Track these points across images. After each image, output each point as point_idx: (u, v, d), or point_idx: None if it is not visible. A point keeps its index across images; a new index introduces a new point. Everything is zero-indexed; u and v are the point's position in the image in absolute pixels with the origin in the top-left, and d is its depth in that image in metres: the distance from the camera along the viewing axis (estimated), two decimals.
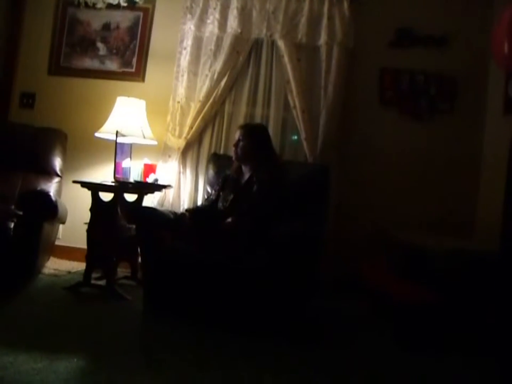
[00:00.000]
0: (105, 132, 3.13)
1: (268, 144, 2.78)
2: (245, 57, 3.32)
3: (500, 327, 2.24)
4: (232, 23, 3.27)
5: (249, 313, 2.32)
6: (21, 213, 2.63)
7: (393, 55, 3.34)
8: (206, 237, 2.50)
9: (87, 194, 2.77)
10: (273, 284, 2.26)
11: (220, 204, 2.71)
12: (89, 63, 3.59)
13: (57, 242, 3.30)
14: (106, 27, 3.59)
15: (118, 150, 2.88)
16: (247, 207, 2.56)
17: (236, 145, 2.74)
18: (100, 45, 3.59)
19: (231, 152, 2.82)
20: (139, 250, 2.72)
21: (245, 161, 2.75)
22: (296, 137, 3.33)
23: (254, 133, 2.76)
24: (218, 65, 3.26)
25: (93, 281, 2.77)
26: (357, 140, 3.34)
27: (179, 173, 3.33)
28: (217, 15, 3.31)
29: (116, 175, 2.87)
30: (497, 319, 2.27)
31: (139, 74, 3.54)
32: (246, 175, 2.75)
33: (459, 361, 2.16)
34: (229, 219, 2.52)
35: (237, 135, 2.76)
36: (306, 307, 2.36)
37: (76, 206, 3.14)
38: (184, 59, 3.33)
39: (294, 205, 2.63)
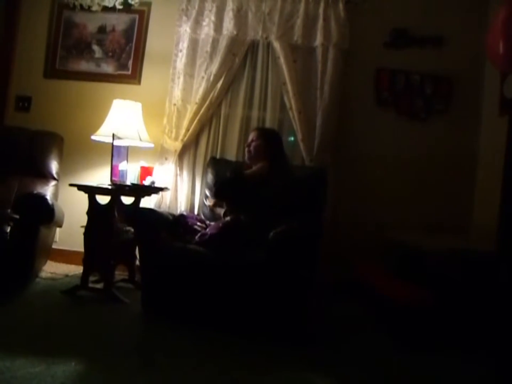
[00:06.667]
0: (102, 135, 3.13)
1: (280, 147, 2.86)
2: (241, 59, 3.32)
3: (498, 326, 2.25)
4: (228, 25, 3.27)
5: (247, 313, 2.33)
6: (17, 216, 2.62)
7: (388, 56, 3.35)
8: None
9: (84, 197, 2.76)
10: (271, 283, 2.27)
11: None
12: (85, 66, 3.59)
13: (54, 246, 3.29)
14: (102, 29, 3.58)
15: (115, 152, 2.87)
16: (255, 208, 2.57)
17: (249, 145, 2.83)
18: (96, 47, 3.58)
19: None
20: (137, 251, 2.71)
21: (256, 160, 2.79)
22: (292, 138, 3.33)
23: (267, 135, 2.88)
24: (214, 67, 3.26)
25: (90, 285, 2.76)
26: (353, 141, 3.35)
27: (176, 175, 3.32)
28: (212, 17, 3.31)
29: (113, 178, 2.86)
30: (494, 318, 2.28)
31: (135, 77, 3.54)
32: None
33: (457, 361, 2.16)
34: (228, 218, 2.53)
35: (250, 136, 2.87)
36: (304, 307, 2.35)
37: (73, 209, 3.13)
38: (180, 61, 3.33)
39: (292, 206, 2.64)
